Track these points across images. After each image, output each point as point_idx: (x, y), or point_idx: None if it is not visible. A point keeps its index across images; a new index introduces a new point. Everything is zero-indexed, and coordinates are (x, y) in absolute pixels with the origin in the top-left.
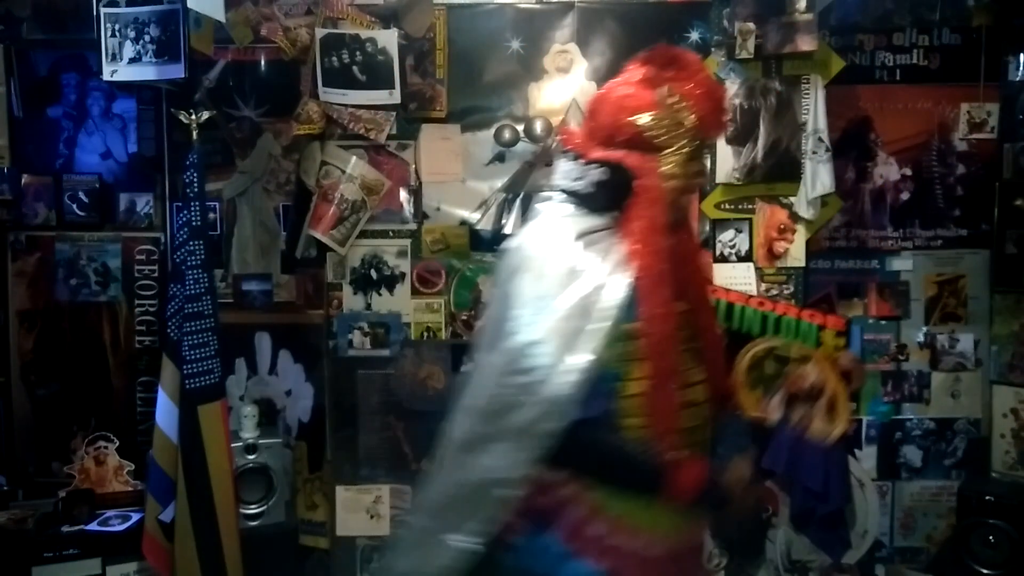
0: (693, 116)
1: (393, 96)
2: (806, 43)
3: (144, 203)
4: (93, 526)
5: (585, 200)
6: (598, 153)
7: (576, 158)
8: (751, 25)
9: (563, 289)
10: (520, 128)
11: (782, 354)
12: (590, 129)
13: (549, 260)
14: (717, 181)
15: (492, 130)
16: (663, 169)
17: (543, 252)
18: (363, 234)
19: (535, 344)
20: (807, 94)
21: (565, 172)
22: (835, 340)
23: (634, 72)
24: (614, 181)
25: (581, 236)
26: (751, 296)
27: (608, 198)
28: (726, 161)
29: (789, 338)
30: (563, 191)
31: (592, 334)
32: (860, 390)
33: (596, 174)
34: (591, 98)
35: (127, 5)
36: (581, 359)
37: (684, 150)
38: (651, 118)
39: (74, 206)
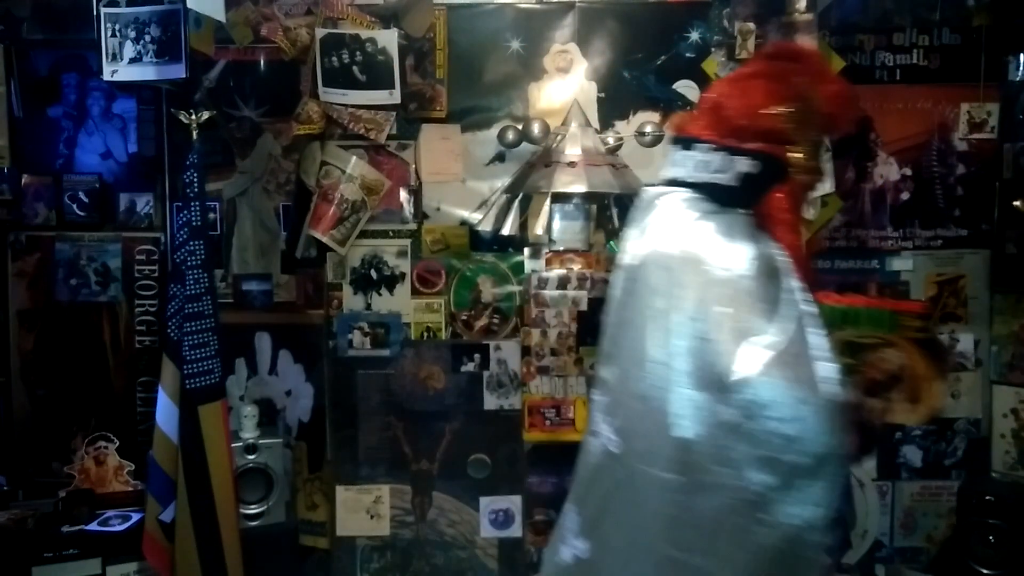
0: (825, 110)
1: (393, 96)
2: (806, 43)
3: (144, 203)
4: (93, 526)
5: (723, 193)
6: (752, 144)
7: (716, 149)
8: (751, 25)
9: (773, 302)
10: (522, 128)
11: (855, 341)
12: (714, 121)
13: (743, 269)
14: None
15: (492, 130)
16: (797, 163)
17: (732, 261)
18: (363, 234)
19: (786, 372)
20: None
21: (701, 163)
22: (914, 322)
23: (759, 66)
24: (761, 173)
25: (749, 237)
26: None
27: (750, 192)
28: None
29: (863, 328)
30: (691, 184)
31: (822, 342)
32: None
33: (745, 165)
34: (712, 90)
35: (127, 5)
36: (832, 368)
37: (815, 144)
38: (788, 110)
39: (74, 206)
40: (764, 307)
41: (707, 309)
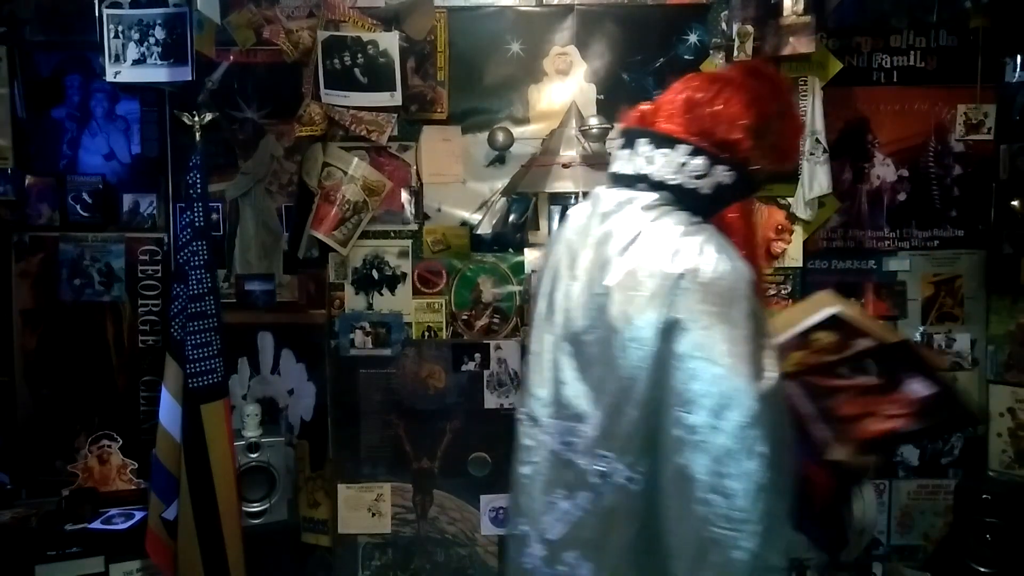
0: (783, 144)
1: (394, 98)
2: (804, 45)
3: (147, 204)
4: (96, 524)
5: (693, 199)
6: (739, 150)
7: (698, 152)
8: (749, 28)
9: (756, 314)
10: (514, 130)
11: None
12: (689, 121)
13: (738, 284)
14: None
15: (489, 131)
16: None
17: (727, 275)
18: (365, 235)
19: (777, 381)
20: (805, 96)
21: (679, 165)
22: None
23: (739, 78)
24: (731, 186)
25: (735, 252)
26: None
27: (719, 202)
28: None
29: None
30: (666, 186)
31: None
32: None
33: (725, 176)
34: (686, 87)
35: (130, 7)
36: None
37: (766, 172)
38: (761, 132)
39: (78, 207)
40: (762, 330)
41: (722, 331)
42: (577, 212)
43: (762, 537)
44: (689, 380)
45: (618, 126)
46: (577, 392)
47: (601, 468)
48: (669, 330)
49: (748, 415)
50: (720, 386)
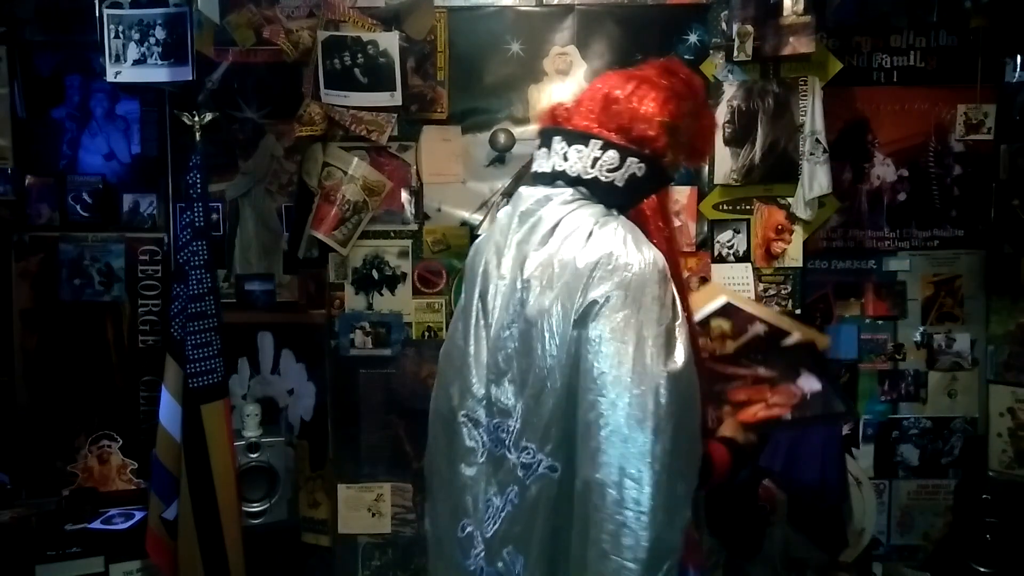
0: (695, 142)
1: (394, 98)
2: (804, 45)
3: (148, 204)
4: (96, 524)
5: (609, 193)
6: (654, 146)
7: (610, 146)
8: (749, 27)
9: (666, 300)
10: (515, 131)
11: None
12: (605, 118)
13: (648, 270)
14: (715, 182)
15: (491, 132)
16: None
17: (637, 262)
18: (365, 235)
19: (683, 365)
20: (805, 96)
21: (593, 159)
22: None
23: (656, 76)
24: (644, 178)
25: (648, 242)
26: None
27: (634, 195)
28: (724, 162)
29: None
30: (583, 181)
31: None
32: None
33: (638, 168)
34: (603, 85)
35: (131, 7)
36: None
37: (675, 168)
38: (674, 129)
39: (77, 207)
40: (672, 315)
41: (631, 315)
42: (502, 213)
43: (664, 518)
44: (598, 362)
45: (536, 127)
46: (505, 388)
47: (525, 460)
48: (583, 317)
49: (653, 397)
50: (626, 368)
